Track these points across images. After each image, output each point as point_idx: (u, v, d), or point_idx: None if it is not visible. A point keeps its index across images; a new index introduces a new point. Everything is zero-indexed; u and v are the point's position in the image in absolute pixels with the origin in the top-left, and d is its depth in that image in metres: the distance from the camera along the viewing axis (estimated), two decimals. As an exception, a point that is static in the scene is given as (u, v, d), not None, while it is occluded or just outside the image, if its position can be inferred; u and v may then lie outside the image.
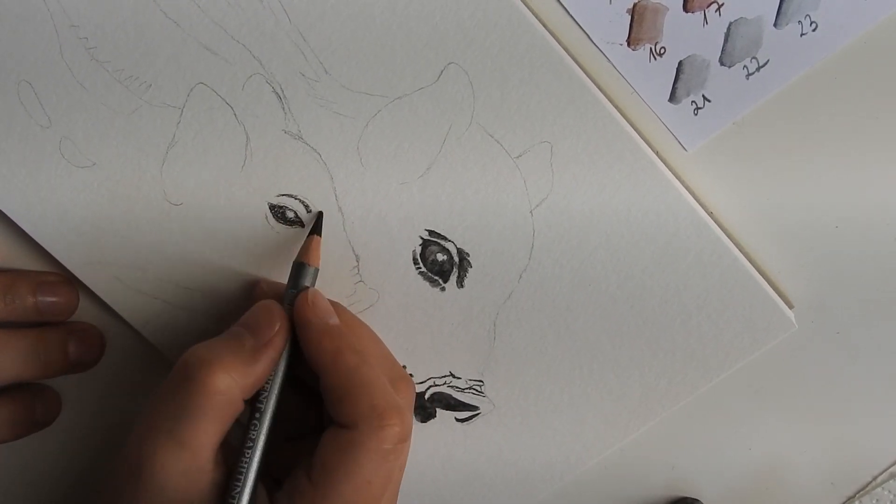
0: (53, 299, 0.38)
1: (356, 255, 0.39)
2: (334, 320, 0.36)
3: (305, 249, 0.37)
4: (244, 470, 0.34)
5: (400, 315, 0.40)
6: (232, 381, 0.33)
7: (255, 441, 0.34)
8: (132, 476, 0.32)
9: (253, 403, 0.35)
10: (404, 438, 0.34)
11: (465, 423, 0.42)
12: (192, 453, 0.32)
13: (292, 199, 0.38)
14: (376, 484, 0.33)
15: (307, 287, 0.36)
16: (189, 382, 0.33)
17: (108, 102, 0.37)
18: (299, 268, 0.37)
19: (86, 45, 0.36)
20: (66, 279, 0.39)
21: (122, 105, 0.37)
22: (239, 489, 0.33)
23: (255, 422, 0.34)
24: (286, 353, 0.35)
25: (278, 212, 0.38)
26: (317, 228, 0.38)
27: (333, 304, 0.37)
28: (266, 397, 0.35)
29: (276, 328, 0.34)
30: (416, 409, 0.42)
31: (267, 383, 0.35)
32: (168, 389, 0.33)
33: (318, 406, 0.37)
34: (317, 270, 0.37)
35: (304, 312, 0.35)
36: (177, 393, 0.33)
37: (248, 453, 0.34)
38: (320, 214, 0.38)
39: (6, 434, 0.39)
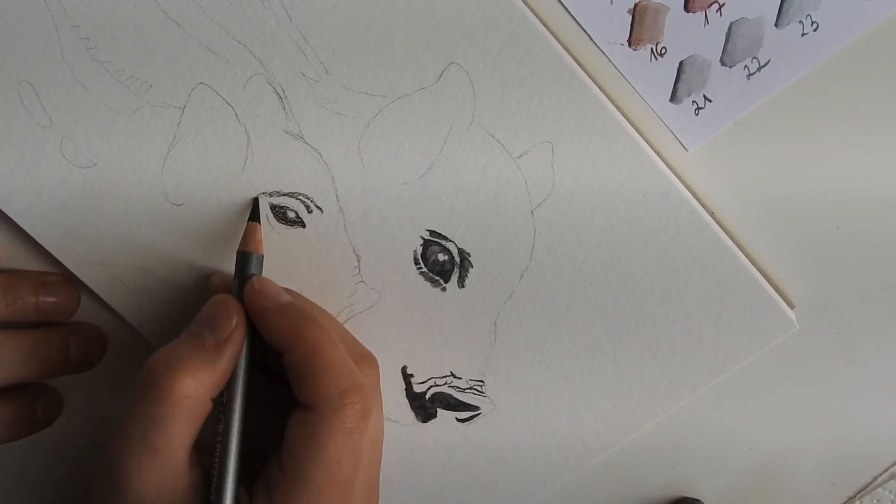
0: (54, 299, 0.38)
1: (357, 256, 0.39)
2: (286, 298, 0.36)
3: (246, 237, 0.37)
4: (220, 471, 0.34)
5: (401, 315, 0.40)
6: (197, 382, 0.33)
7: (227, 439, 0.34)
8: (111, 486, 0.33)
9: (221, 400, 0.35)
10: (366, 415, 0.34)
11: (465, 423, 0.42)
12: (165, 459, 0.33)
13: (293, 199, 0.38)
14: (346, 464, 0.33)
15: (252, 275, 0.36)
16: (154, 389, 0.33)
17: (109, 103, 0.36)
18: (243, 257, 0.36)
19: (87, 45, 0.36)
20: (67, 279, 0.39)
21: (123, 105, 0.37)
22: (220, 491, 0.33)
23: (226, 419, 0.34)
24: (247, 345, 0.35)
25: (279, 212, 0.38)
26: (255, 215, 0.37)
27: (286, 290, 0.37)
28: (232, 394, 0.35)
29: (234, 322, 0.34)
30: (416, 409, 0.42)
31: (233, 378, 0.35)
32: (136, 397, 0.33)
33: (287, 394, 0.36)
34: (261, 257, 0.37)
35: (254, 300, 0.35)
36: (144, 400, 0.33)
37: (221, 452, 0.34)
38: (256, 200, 0.38)
39: (7, 434, 0.39)
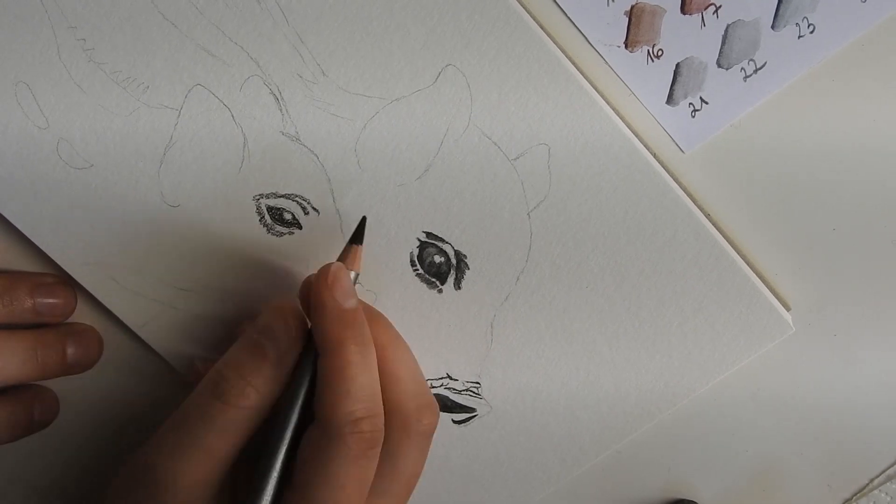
0: (51, 301, 0.38)
1: (353, 257, 0.39)
2: (351, 303, 0.34)
3: (345, 255, 0.36)
4: (259, 481, 0.34)
5: (397, 316, 0.40)
6: (259, 395, 0.33)
7: (277, 449, 0.34)
8: (152, 482, 0.33)
9: (277, 410, 0.35)
10: (373, 446, 0.33)
11: (461, 424, 0.42)
12: (217, 464, 0.33)
13: (290, 200, 0.38)
14: (350, 489, 0.33)
15: (330, 264, 0.35)
16: (219, 401, 0.33)
17: (106, 104, 0.36)
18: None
19: (83, 46, 0.36)
20: (64, 281, 0.39)
21: (120, 106, 0.37)
22: (252, 498, 0.33)
23: (278, 430, 0.34)
24: (310, 357, 0.35)
25: (276, 213, 0.38)
26: (358, 237, 0.37)
27: (377, 312, 0.37)
28: (289, 407, 0.34)
29: (294, 334, 0.34)
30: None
31: (291, 390, 0.34)
32: (195, 404, 0.34)
33: None
34: (357, 276, 0.36)
35: (320, 291, 0.34)
36: (206, 409, 0.33)
37: (265, 464, 0.34)
38: (363, 220, 0.37)
39: (4, 435, 0.39)
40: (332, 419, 0.33)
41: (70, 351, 0.39)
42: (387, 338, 0.36)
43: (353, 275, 0.36)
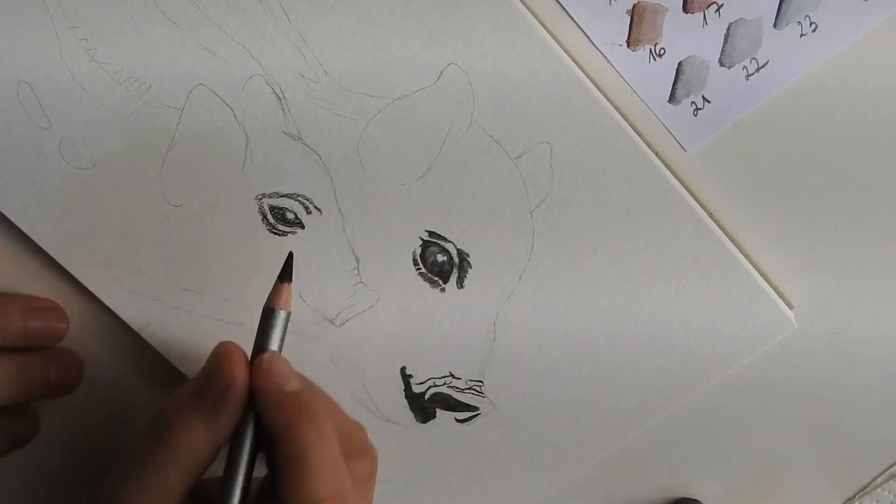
0: (43, 324, 0.38)
1: (356, 257, 0.39)
2: (292, 386, 0.34)
3: (275, 294, 0.35)
4: None
5: (400, 316, 0.40)
6: (195, 437, 0.33)
7: (229, 492, 0.34)
8: None
9: (228, 453, 0.34)
10: None
11: (464, 423, 0.42)
12: (161, 501, 0.33)
13: (292, 200, 0.38)
14: None
15: (265, 350, 0.35)
16: (156, 438, 0.33)
17: (108, 104, 0.36)
18: (269, 314, 0.35)
19: (85, 46, 0.36)
20: (57, 305, 0.39)
21: (122, 106, 0.37)
22: None
23: (229, 471, 0.34)
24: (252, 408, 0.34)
25: (278, 213, 0.38)
26: (286, 274, 0.36)
27: (301, 375, 0.36)
28: (239, 445, 0.34)
29: (230, 379, 0.34)
30: (416, 409, 0.42)
31: (240, 429, 0.34)
32: (141, 443, 0.34)
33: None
34: (289, 314, 0.35)
35: (259, 379, 0.34)
36: (146, 445, 0.33)
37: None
38: (290, 256, 0.36)
39: None
40: (296, 501, 0.33)
41: (53, 375, 0.39)
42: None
43: (283, 314, 0.35)
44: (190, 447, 0.33)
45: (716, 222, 0.40)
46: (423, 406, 0.42)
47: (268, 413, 0.34)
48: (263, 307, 0.35)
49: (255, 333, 0.35)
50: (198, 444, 0.33)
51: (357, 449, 0.37)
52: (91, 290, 0.39)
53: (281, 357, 0.35)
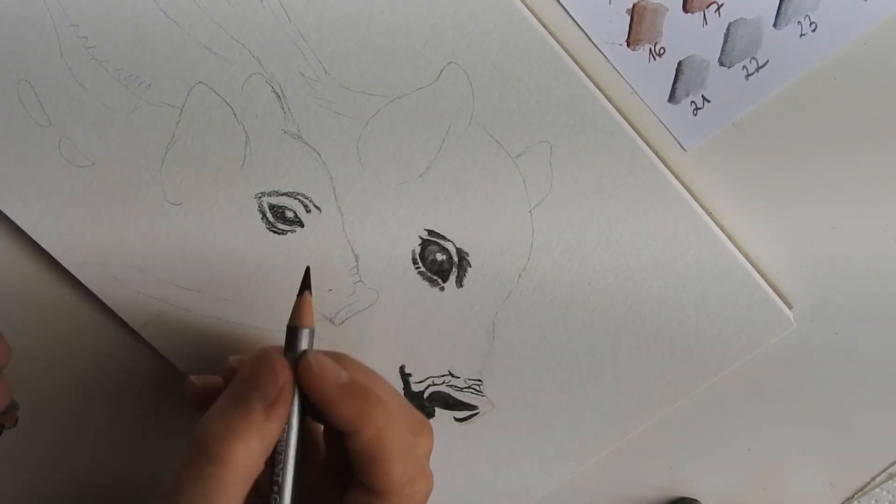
0: None
1: (355, 255, 0.39)
2: (344, 376, 0.34)
3: (298, 311, 0.35)
4: None
5: (399, 315, 0.40)
6: (250, 450, 0.32)
7: (282, 498, 0.34)
8: None
9: (272, 464, 0.34)
10: (429, 494, 0.34)
11: (463, 422, 0.42)
12: None
13: (292, 198, 0.38)
14: None
15: (304, 351, 0.34)
16: (208, 462, 0.32)
17: (108, 102, 0.36)
18: (294, 332, 0.35)
19: (85, 44, 0.36)
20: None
21: (122, 104, 0.37)
22: None
23: (277, 483, 0.34)
24: (297, 403, 0.34)
25: (277, 211, 0.38)
26: (306, 285, 0.35)
27: (336, 354, 0.36)
28: (284, 457, 0.34)
29: (281, 382, 0.33)
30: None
31: (285, 436, 0.34)
32: (187, 466, 0.32)
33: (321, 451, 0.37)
34: (312, 331, 0.35)
35: (314, 382, 0.34)
36: (198, 474, 0.32)
37: None
38: (308, 270, 0.36)
39: None
40: (388, 487, 0.33)
41: None
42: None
43: (307, 332, 0.35)
44: (247, 462, 0.32)
45: (715, 221, 0.40)
46: (422, 405, 0.42)
47: (333, 412, 0.33)
48: (288, 327, 0.35)
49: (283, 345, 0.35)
50: (254, 458, 0.32)
51: (420, 423, 0.36)
52: (90, 288, 0.39)
53: (321, 353, 0.35)
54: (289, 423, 0.34)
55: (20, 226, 0.38)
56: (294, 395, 0.34)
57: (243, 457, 0.32)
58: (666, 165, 0.39)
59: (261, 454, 0.33)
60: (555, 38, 0.37)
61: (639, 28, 0.37)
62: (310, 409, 0.34)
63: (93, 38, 0.36)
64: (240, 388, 0.34)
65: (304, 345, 0.34)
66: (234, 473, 0.32)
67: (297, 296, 0.35)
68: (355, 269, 0.39)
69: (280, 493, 0.33)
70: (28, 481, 0.43)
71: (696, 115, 0.38)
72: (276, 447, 0.34)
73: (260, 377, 0.33)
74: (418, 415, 0.37)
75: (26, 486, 0.43)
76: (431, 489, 0.34)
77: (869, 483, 0.46)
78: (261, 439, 0.33)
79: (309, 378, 0.34)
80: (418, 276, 0.40)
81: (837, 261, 0.41)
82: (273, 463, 0.34)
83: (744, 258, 0.40)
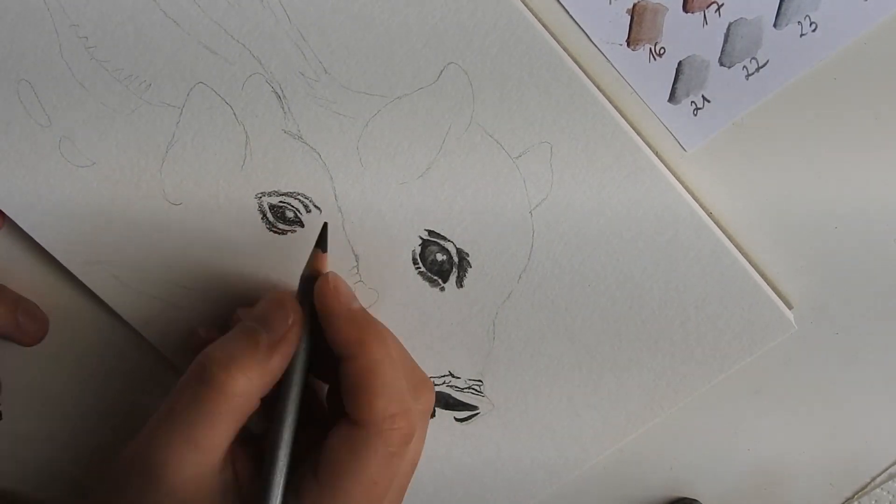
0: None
1: (355, 255, 0.39)
2: (357, 304, 0.35)
3: (312, 263, 0.36)
4: (273, 472, 0.33)
5: (399, 315, 0.40)
6: (249, 381, 0.33)
7: (277, 443, 0.34)
8: (142, 476, 0.33)
9: (273, 402, 0.34)
10: (408, 441, 0.34)
11: (464, 422, 0.42)
12: (206, 455, 0.33)
13: (292, 198, 0.38)
14: (381, 485, 0.33)
15: (326, 273, 0.35)
16: (205, 386, 0.32)
17: (108, 102, 0.37)
18: (309, 282, 0.35)
19: (85, 44, 0.36)
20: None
21: (122, 104, 0.37)
22: (270, 491, 0.33)
23: (278, 420, 0.34)
24: (304, 347, 0.34)
25: (278, 211, 0.38)
26: (322, 242, 0.36)
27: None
28: (285, 396, 0.34)
29: (290, 322, 0.34)
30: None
31: (286, 379, 0.34)
32: (183, 390, 0.33)
33: (327, 398, 0.37)
34: None
35: (327, 299, 0.34)
36: (193, 396, 0.33)
37: (269, 456, 0.33)
38: (325, 226, 0.36)
39: None
40: (370, 418, 0.33)
41: (21, 320, 0.39)
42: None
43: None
44: (245, 391, 0.32)
45: (715, 222, 0.40)
46: (423, 405, 0.42)
47: (336, 331, 0.34)
48: (302, 277, 0.36)
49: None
50: (250, 392, 0.33)
51: (421, 380, 0.37)
52: (91, 287, 0.39)
53: (342, 279, 0.35)
54: (292, 367, 0.34)
55: (21, 225, 0.38)
56: (301, 339, 0.34)
57: (242, 385, 0.32)
58: (666, 166, 0.39)
59: (259, 387, 0.33)
60: (555, 39, 0.37)
61: (639, 28, 0.37)
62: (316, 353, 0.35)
63: (93, 37, 0.36)
64: (249, 323, 0.34)
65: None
66: (230, 401, 0.32)
67: (313, 249, 0.36)
68: (355, 270, 0.39)
69: (276, 436, 0.34)
70: (25, 482, 0.43)
71: (696, 115, 0.38)
72: (276, 390, 0.34)
73: (270, 315, 0.34)
74: (421, 372, 0.37)
75: (24, 486, 0.43)
76: (411, 437, 0.34)
77: (869, 483, 0.46)
78: (261, 373, 0.33)
79: (323, 292, 0.34)
80: (418, 276, 0.40)
81: (837, 261, 0.41)
82: (273, 404, 0.34)
83: (744, 259, 0.40)
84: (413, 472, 0.36)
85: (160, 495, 0.32)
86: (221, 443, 0.33)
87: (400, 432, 0.33)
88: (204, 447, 0.32)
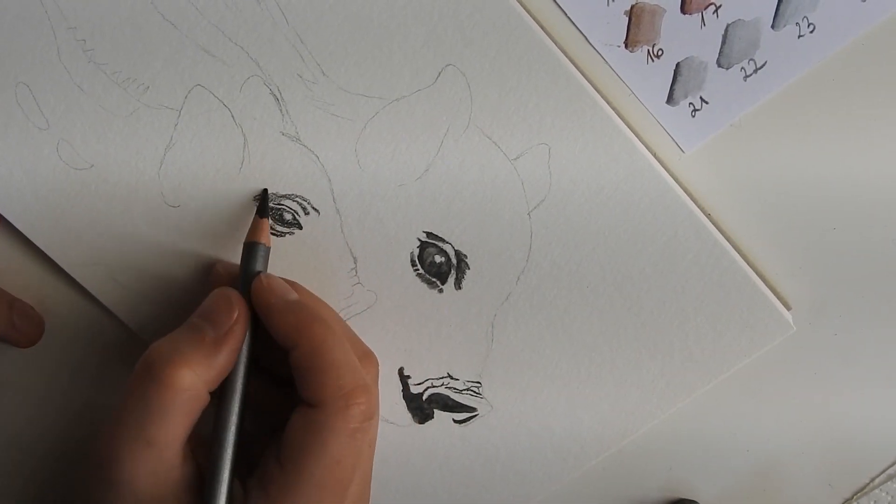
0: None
1: (354, 257, 0.39)
2: (293, 296, 0.36)
3: (254, 229, 0.37)
4: (215, 465, 0.34)
5: (398, 317, 0.40)
6: (195, 376, 0.33)
7: (225, 433, 0.34)
8: (101, 477, 0.33)
9: (219, 395, 0.34)
10: (370, 416, 0.34)
11: (462, 424, 0.42)
12: (159, 452, 0.33)
13: (290, 200, 0.38)
14: (346, 463, 0.33)
15: (259, 272, 0.36)
16: (152, 381, 0.32)
17: (106, 104, 0.37)
18: (251, 248, 0.36)
19: (83, 47, 0.36)
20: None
21: (120, 107, 0.37)
22: (215, 484, 0.33)
23: (224, 414, 0.34)
24: (248, 340, 0.35)
25: (276, 213, 0.38)
26: (263, 210, 0.37)
27: (290, 282, 0.37)
28: (230, 388, 0.34)
29: (235, 316, 0.34)
30: (413, 410, 0.42)
31: (231, 373, 0.34)
32: (132, 388, 0.33)
33: (284, 390, 0.37)
34: (268, 249, 0.36)
35: (262, 296, 0.35)
36: (141, 392, 0.33)
37: (220, 446, 0.34)
38: (264, 193, 0.37)
39: None
40: (324, 397, 0.33)
41: (17, 321, 0.39)
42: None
43: (264, 248, 0.36)
44: (189, 390, 0.32)
45: (714, 223, 0.40)
46: (421, 407, 0.42)
47: (276, 325, 0.34)
48: (245, 243, 0.36)
49: (239, 268, 0.36)
50: (198, 387, 0.33)
51: (365, 352, 0.37)
52: (89, 289, 0.39)
53: (275, 276, 0.36)
54: (238, 360, 0.34)
55: (19, 228, 0.38)
56: (247, 333, 0.35)
57: (188, 380, 0.32)
58: (664, 167, 0.39)
59: (207, 382, 0.33)
60: (553, 40, 0.37)
61: (637, 29, 0.37)
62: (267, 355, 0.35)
63: (91, 40, 0.36)
64: (194, 319, 0.35)
65: (259, 266, 0.36)
66: (178, 396, 0.32)
67: (254, 217, 0.37)
68: (354, 272, 0.39)
69: (222, 427, 0.34)
70: (25, 482, 0.43)
71: (694, 116, 0.38)
72: (223, 385, 0.34)
73: (215, 310, 0.34)
74: (363, 345, 0.38)
75: (24, 487, 0.43)
76: (373, 413, 0.34)
77: (868, 484, 0.46)
78: (208, 367, 0.33)
79: (258, 293, 0.35)
80: (417, 278, 0.40)
81: (836, 262, 0.41)
82: (220, 398, 0.34)
83: (742, 260, 0.40)
84: (373, 451, 0.36)
85: (120, 495, 0.32)
86: (175, 438, 0.33)
87: (359, 408, 0.33)
88: (157, 443, 0.32)
